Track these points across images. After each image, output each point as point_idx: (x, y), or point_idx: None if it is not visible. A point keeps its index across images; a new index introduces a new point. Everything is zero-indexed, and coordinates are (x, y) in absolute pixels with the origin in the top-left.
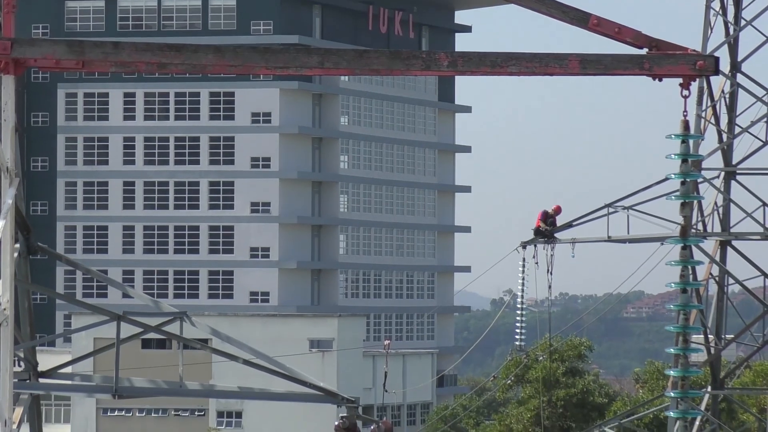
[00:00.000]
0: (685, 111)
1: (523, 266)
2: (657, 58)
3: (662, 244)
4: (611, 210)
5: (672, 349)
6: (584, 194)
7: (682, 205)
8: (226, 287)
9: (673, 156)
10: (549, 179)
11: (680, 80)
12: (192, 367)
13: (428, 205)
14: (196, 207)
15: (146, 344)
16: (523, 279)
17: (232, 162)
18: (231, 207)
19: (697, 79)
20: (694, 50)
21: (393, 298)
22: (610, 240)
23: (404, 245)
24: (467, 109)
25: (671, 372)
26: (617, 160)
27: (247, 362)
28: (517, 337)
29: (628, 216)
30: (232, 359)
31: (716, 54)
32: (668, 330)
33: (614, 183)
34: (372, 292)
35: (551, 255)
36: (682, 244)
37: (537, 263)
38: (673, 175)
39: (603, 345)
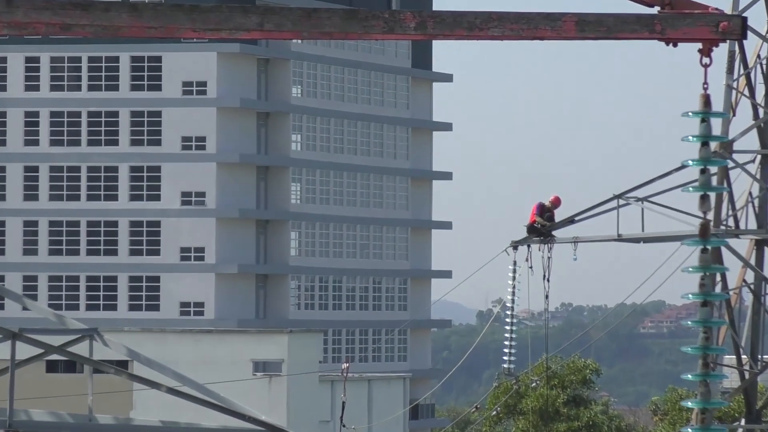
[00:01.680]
0: (706, 83)
1: (514, 271)
2: (671, 19)
3: (683, 244)
4: (622, 202)
5: (690, 376)
6: (589, 183)
7: (702, 198)
8: (150, 297)
9: (690, 138)
10: (546, 165)
11: (699, 45)
12: (109, 396)
13: (400, 195)
14: (114, 198)
15: (52, 367)
16: (514, 287)
17: (158, 142)
18: (157, 198)
19: (722, 44)
20: (717, 9)
21: (356, 309)
22: (620, 239)
23: (370, 245)
24: (447, 78)
25: (688, 403)
26: (629, 142)
27: (171, 390)
28: (505, 358)
29: (642, 210)
30: (153, 387)
31: (748, 12)
32: (686, 351)
33: (625, 170)
34: (331, 303)
35: (548, 257)
36: (702, 246)
37: (531, 267)
38: (690, 162)
39: (614, 367)
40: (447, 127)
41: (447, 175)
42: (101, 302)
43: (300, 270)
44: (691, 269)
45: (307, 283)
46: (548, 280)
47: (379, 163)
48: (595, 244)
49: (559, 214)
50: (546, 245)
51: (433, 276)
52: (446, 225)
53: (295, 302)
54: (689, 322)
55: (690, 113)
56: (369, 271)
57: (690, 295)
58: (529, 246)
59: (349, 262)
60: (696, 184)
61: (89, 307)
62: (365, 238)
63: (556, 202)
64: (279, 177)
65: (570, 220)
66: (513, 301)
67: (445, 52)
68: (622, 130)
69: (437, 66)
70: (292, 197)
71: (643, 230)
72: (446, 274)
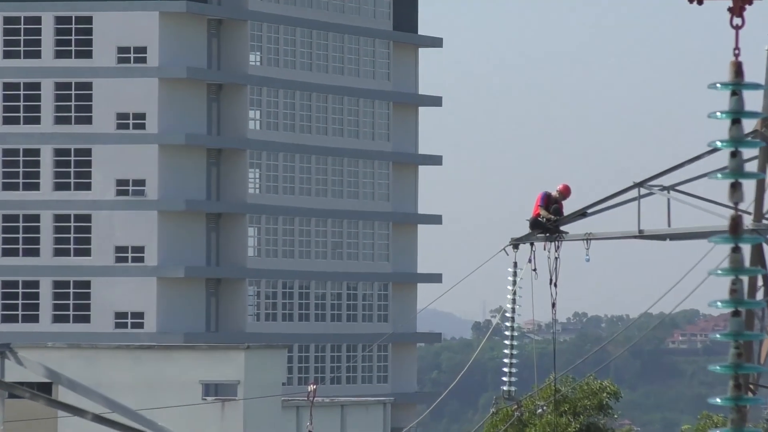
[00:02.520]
0: (737, 48)
1: (515, 274)
2: None
3: (709, 241)
4: (644, 191)
5: (719, 400)
6: (604, 169)
7: (733, 186)
8: (79, 306)
9: (718, 114)
10: (554, 147)
11: (729, 2)
12: (31, 424)
13: (380, 184)
14: (35, 187)
15: None
16: (515, 293)
17: (88, 120)
18: (87, 187)
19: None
20: None
21: (327, 321)
22: (642, 236)
23: (344, 243)
24: (436, 43)
25: None
26: (650, 119)
27: (98, 419)
28: (505, 378)
29: (669, 200)
30: (75, 414)
31: None
32: (714, 371)
33: (646, 152)
34: (296, 313)
35: (556, 257)
36: (733, 244)
37: (535, 270)
38: (719, 143)
39: (638, 390)
40: (436, 101)
41: (436, 160)
42: (19, 312)
43: (259, 273)
44: (720, 272)
45: (269, 289)
46: (556, 285)
47: (354, 145)
48: (613, 241)
49: (569, 206)
50: (553, 243)
51: (420, 280)
52: (435, 219)
53: (253, 312)
54: (718, 335)
55: (718, 84)
56: (342, 274)
57: (719, 303)
58: (532, 244)
59: (319, 264)
60: (726, 169)
61: (5, 318)
62: (338, 235)
63: (566, 192)
64: (234, 162)
65: (582, 213)
66: (513, 310)
67: (433, 13)
68: (642, 106)
69: (424, 29)
70: (250, 186)
71: (669, 225)
72: (435, 278)
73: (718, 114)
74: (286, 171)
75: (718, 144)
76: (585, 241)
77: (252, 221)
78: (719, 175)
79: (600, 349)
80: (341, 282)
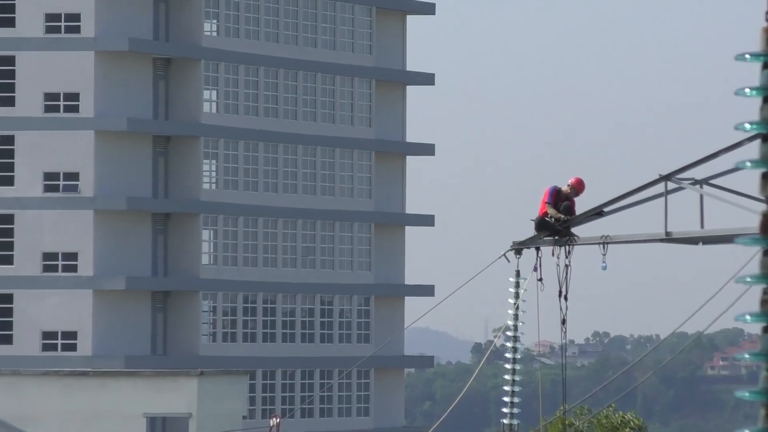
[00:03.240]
0: None
1: (517, 285)
2: None
3: (736, 242)
4: (672, 186)
5: None
6: (622, 160)
7: (764, 177)
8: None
9: (747, 91)
10: (564, 136)
11: None
12: None
13: (360, 178)
14: None
15: None
16: (517, 308)
17: (10, 102)
18: (9, 182)
19: None
20: None
21: (297, 341)
22: (670, 239)
23: (317, 249)
24: (426, 9)
25: None
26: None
27: None
28: (505, 410)
29: (701, 197)
30: None
31: None
32: (742, 398)
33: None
34: (260, 332)
35: (567, 265)
36: (765, 246)
37: (541, 280)
38: (747, 125)
39: (671, 425)
40: (427, 79)
41: (427, 149)
42: None
43: (216, 285)
44: (748, 279)
45: (227, 303)
46: (566, 298)
47: (329, 131)
48: (636, 246)
49: (582, 204)
50: (563, 248)
51: (408, 293)
52: (426, 220)
53: (208, 331)
54: (746, 355)
55: (747, 56)
56: (315, 286)
57: (748, 317)
58: (538, 249)
59: (287, 274)
60: (756, 157)
61: None
62: (310, 238)
63: (578, 187)
64: (186, 152)
65: (598, 213)
66: (516, 328)
67: None
68: (663, 83)
69: None
70: (205, 181)
71: (702, 226)
72: (426, 291)
73: (747, 91)
74: (248, 162)
75: (747, 126)
76: (601, 246)
77: (207, 223)
78: (748, 164)
79: (623, 375)
80: (314, 295)
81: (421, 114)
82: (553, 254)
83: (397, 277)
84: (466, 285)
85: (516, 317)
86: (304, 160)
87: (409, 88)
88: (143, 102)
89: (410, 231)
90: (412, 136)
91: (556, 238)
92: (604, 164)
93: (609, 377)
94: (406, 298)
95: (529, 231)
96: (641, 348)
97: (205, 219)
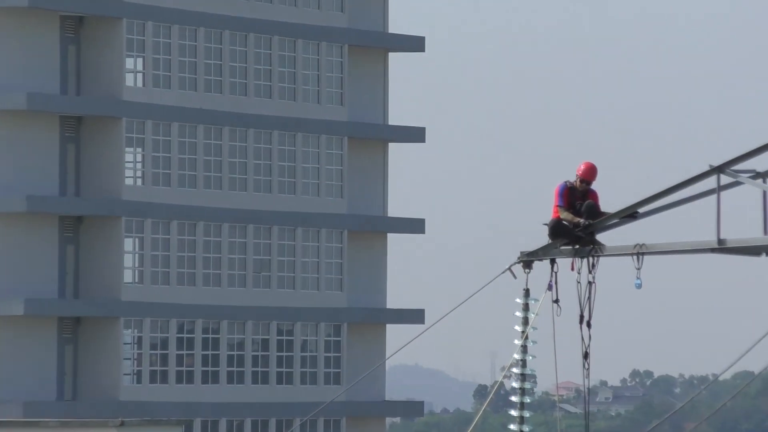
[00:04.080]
0: None
1: (526, 308)
2: None
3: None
4: (725, 180)
5: None
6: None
7: None
8: None
9: None
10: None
11: None
12: None
13: (329, 171)
14: None
15: None
16: (526, 338)
17: None
18: None
19: None
20: None
21: (246, 383)
22: (724, 248)
23: (272, 263)
24: None
25: None
26: (718, 77)
27: None
28: None
29: (765, 194)
30: None
31: None
32: None
33: (725, 127)
34: (198, 370)
35: (590, 282)
36: None
37: (557, 302)
38: None
39: None
40: (414, 44)
41: (414, 134)
42: None
43: (141, 309)
44: None
45: (155, 333)
46: (589, 325)
47: (289, 110)
48: (681, 258)
49: (609, 202)
50: (586, 260)
51: (390, 319)
52: (413, 225)
53: (131, 369)
54: None
55: None
56: (271, 310)
57: None
58: (553, 262)
59: (235, 295)
60: None
61: None
62: (264, 249)
63: (588, 174)
64: (103, 137)
65: (630, 215)
66: (524, 364)
67: None
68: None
69: None
70: (128, 175)
71: (766, 231)
72: (413, 317)
73: None
74: (184, 151)
75: None
76: (636, 257)
77: (131, 229)
78: None
79: (671, 425)
80: (269, 322)
81: (408, 89)
82: (572, 268)
83: (377, 299)
84: (464, 309)
85: (525, 350)
86: (257, 149)
87: (391, 55)
88: (48, 72)
89: (394, 239)
90: (395, 118)
91: (577, 247)
92: (639, 153)
93: (653, 428)
94: (389, 326)
95: (542, 238)
96: (693, 391)
97: (128, 224)
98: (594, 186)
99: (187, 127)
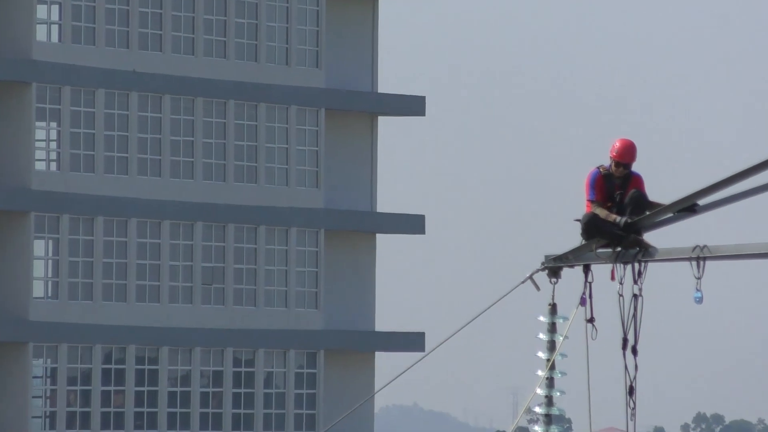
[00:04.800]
0: None
1: (553, 329)
2: None
3: None
4: None
5: None
6: (723, 127)
7: None
8: None
9: None
10: (624, 87)
11: None
12: None
13: (301, 154)
14: None
15: None
16: (551, 368)
17: None
18: None
19: None
20: None
21: (193, 427)
22: None
23: (227, 272)
24: None
25: None
26: None
27: None
28: None
29: None
30: None
31: None
32: None
33: None
34: (130, 412)
35: (636, 295)
36: None
37: (592, 322)
38: None
39: None
40: None
41: (411, 105)
42: None
43: (56, 332)
44: None
45: (74, 363)
46: (635, 352)
47: (249, 74)
48: (753, 263)
49: (657, 189)
50: (629, 266)
51: (380, 345)
52: (410, 223)
53: (41, 410)
54: None
55: None
56: (226, 334)
57: None
58: (587, 269)
59: (178, 314)
60: None
61: None
62: (216, 254)
63: (624, 155)
64: (7, 109)
65: (688, 208)
66: (549, 402)
67: None
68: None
69: None
70: (39, 158)
71: None
72: (410, 342)
73: None
74: (112, 127)
75: None
76: (694, 263)
77: (42, 227)
78: None
79: None
80: (222, 349)
81: (403, 47)
82: (612, 277)
83: (363, 320)
84: (474, 331)
85: (551, 383)
86: (207, 123)
87: (381, 3)
88: None
89: (385, 242)
90: (387, 84)
91: (619, 249)
92: (697, 134)
93: None
94: (378, 354)
95: (572, 238)
96: None
97: (38, 221)
98: (635, 168)
99: (116, 95)
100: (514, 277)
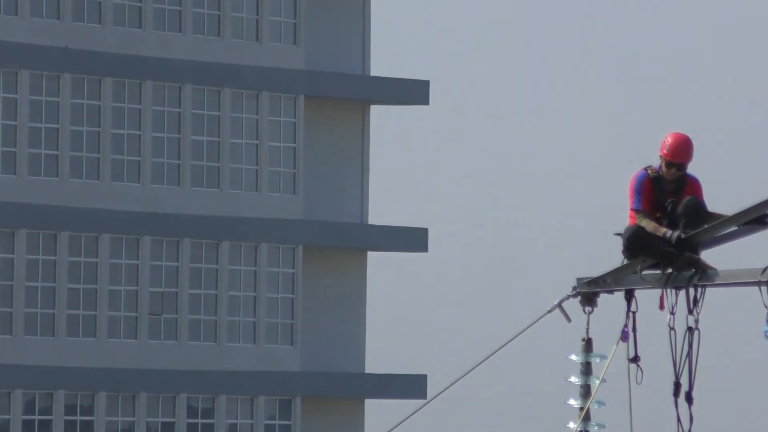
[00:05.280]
0: None
1: (587, 370)
2: None
3: None
4: None
5: None
6: None
7: None
8: None
9: None
10: (670, 68)
11: None
12: None
13: (274, 151)
14: None
15: None
16: (587, 418)
17: None
18: None
19: None
20: None
21: None
22: None
23: (181, 300)
24: None
25: None
26: None
27: None
28: None
29: None
30: None
31: None
32: None
33: None
34: None
35: (691, 330)
36: None
37: (637, 361)
38: None
39: None
40: None
41: (412, 92)
42: None
43: None
44: None
45: None
46: (690, 399)
47: (213, 52)
48: None
49: (720, 198)
50: (683, 293)
51: (371, 390)
52: (408, 239)
53: None
54: None
55: None
56: (180, 376)
57: None
58: (630, 295)
59: (120, 351)
60: None
61: None
62: (168, 276)
63: (678, 154)
64: None
65: (759, 220)
66: None
67: None
68: None
69: None
70: None
71: None
72: (408, 385)
73: None
74: (37, 116)
75: None
76: (764, 288)
77: None
78: None
79: None
80: (174, 395)
81: (402, 20)
82: (662, 306)
83: (351, 359)
84: (489, 372)
85: None
86: (158, 113)
87: None
88: None
89: (378, 261)
90: (381, 66)
91: (669, 271)
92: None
93: None
94: (368, 402)
95: (611, 257)
96: None
97: None
98: (691, 170)
99: (44, 77)
100: (538, 305)
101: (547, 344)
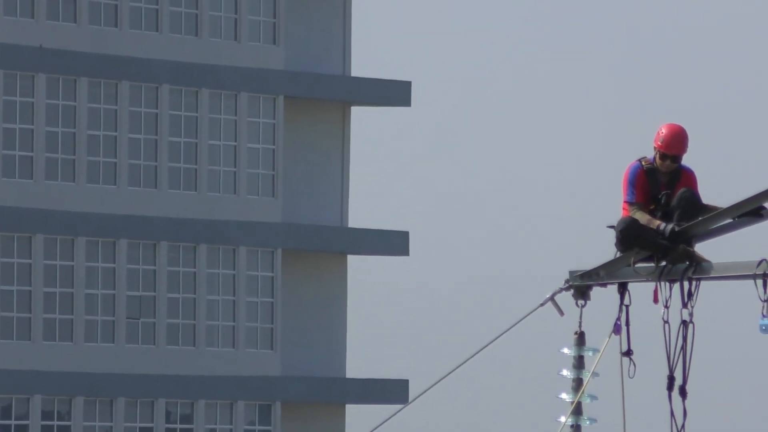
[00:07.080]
0: None
1: (579, 364)
2: None
3: None
4: None
5: None
6: None
7: None
8: None
9: None
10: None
11: None
12: None
13: (253, 153)
14: None
15: None
16: (579, 412)
17: None
18: None
19: None
20: None
21: None
22: None
23: (158, 304)
24: None
25: None
26: None
27: None
28: None
29: None
30: None
31: None
32: None
33: None
34: None
35: (686, 323)
36: None
37: (630, 355)
38: None
39: None
40: None
41: (393, 93)
42: None
43: None
44: None
45: None
46: (684, 394)
47: (189, 52)
48: None
49: (715, 190)
50: (677, 286)
51: (352, 395)
52: (389, 242)
53: None
54: None
55: None
56: (158, 381)
57: None
58: (623, 288)
59: (96, 355)
60: None
61: None
62: (145, 281)
63: (673, 145)
64: None
65: (754, 211)
66: None
67: None
68: None
69: None
70: None
71: None
72: (389, 390)
73: None
74: (11, 117)
75: None
76: (759, 282)
77: None
78: None
79: None
80: (152, 400)
81: (383, 19)
82: (656, 299)
83: (331, 364)
84: (475, 371)
85: None
86: (134, 114)
87: None
88: None
89: (358, 265)
90: (362, 67)
91: (663, 264)
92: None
93: None
94: (349, 407)
95: (604, 250)
96: None
97: None
98: (685, 161)
99: (17, 77)
100: (529, 298)
101: (539, 338)
